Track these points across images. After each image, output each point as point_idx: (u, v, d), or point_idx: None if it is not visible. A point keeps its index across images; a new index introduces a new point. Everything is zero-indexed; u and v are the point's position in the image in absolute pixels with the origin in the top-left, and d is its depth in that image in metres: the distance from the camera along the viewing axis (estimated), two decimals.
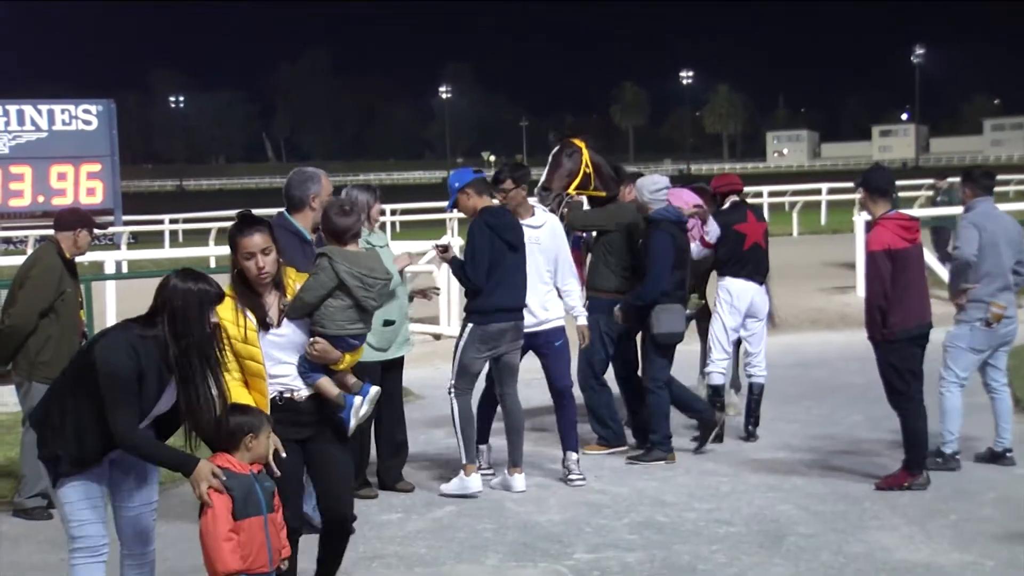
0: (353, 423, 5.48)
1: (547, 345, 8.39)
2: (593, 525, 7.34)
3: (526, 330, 8.15)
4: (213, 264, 28.74)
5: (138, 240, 38.21)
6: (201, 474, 4.89)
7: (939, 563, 6.44)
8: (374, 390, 5.59)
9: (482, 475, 8.19)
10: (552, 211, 9.17)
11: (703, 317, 10.95)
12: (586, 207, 9.95)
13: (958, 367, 8.38)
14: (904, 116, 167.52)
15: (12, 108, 33.15)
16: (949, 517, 7.28)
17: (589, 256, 9.54)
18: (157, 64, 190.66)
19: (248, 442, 5.07)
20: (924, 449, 7.96)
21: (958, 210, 10.44)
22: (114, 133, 35.63)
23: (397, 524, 7.49)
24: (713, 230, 9.70)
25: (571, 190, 9.54)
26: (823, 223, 39.03)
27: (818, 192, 43.97)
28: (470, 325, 8.02)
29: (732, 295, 9.69)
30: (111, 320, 16.48)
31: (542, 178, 9.57)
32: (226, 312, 5.20)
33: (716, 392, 9.74)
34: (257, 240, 5.28)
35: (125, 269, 28.42)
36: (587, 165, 9.55)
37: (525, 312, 8.13)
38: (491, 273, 7.86)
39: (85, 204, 35.84)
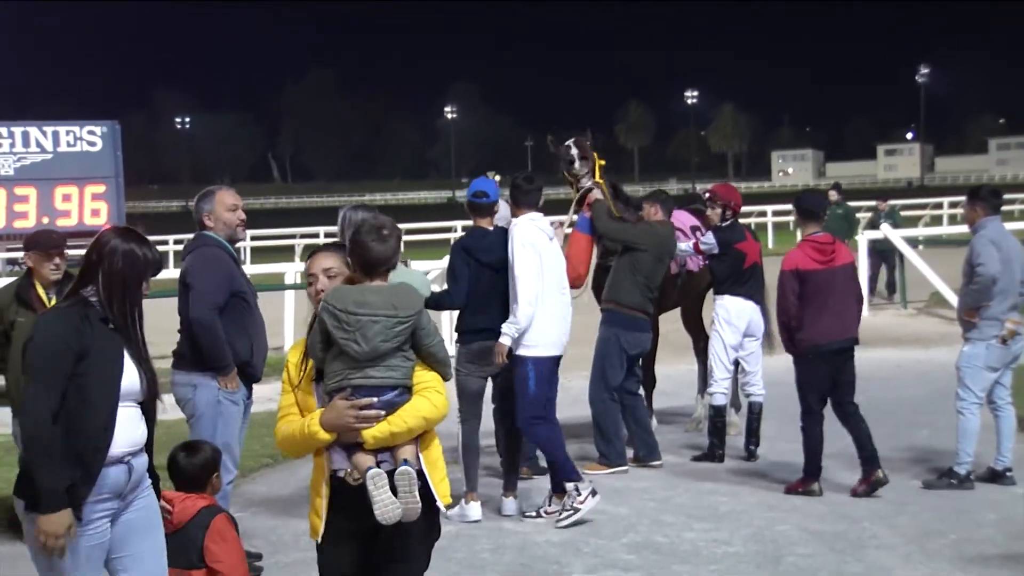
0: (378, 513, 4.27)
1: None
2: (591, 545, 7.33)
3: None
4: None
5: None
6: (52, 526, 4.23)
7: None
8: (404, 473, 4.33)
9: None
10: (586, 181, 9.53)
11: (700, 338, 10.98)
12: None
13: (976, 387, 8.40)
14: (909, 135, 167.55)
15: (17, 130, 33.11)
16: (948, 537, 7.26)
17: (611, 271, 9.49)
18: (162, 85, 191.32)
19: (215, 480, 5.01)
20: (818, 459, 8.34)
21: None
22: (119, 154, 35.61)
23: None
24: (710, 242, 9.72)
25: (598, 176, 9.63)
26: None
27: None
28: (457, 346, 8.12)
29: (731, 313, 9.70)
30: None
31: (578, 166, 9.64)
32: (294, 354, 4.59)
33: (718, 412, 9.72)
34: (322, 261, 4.66)
35: None
36: (599, 166, 9.72)
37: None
38: (471, 294, 7.94)
39: (90, 225, 36.01)
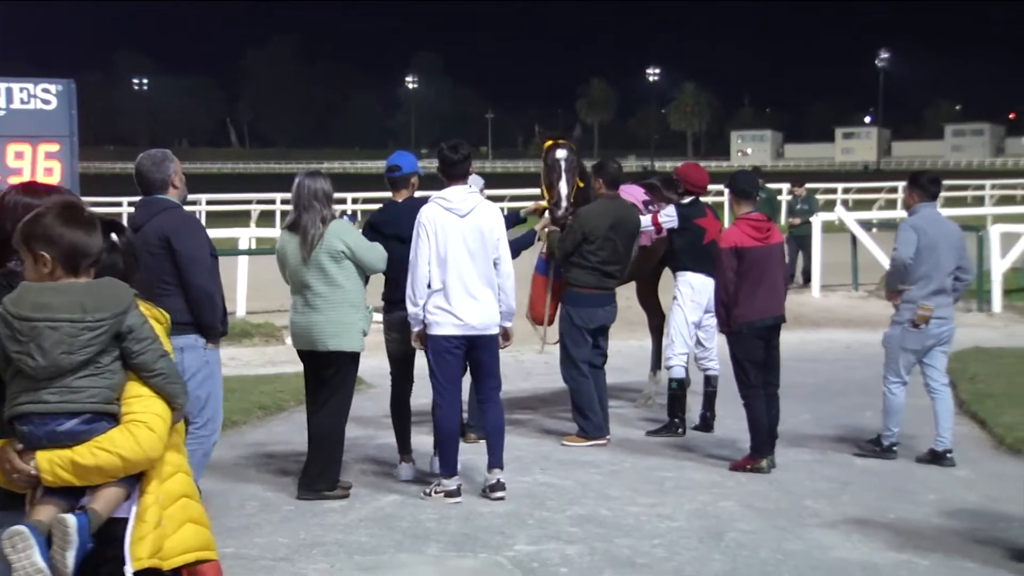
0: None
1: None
2: (536, 517, 7.36)
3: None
4: None
5: None
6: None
7: (874, 562, 6.51)
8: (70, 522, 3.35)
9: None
10: (562, 222, 9.35)
11: (655, 315, 11.04)
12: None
13: (897, 364, 8.69)
14: (867, 119, 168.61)
15: None
16: (887, 516, 7.36)
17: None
18: (122, 45, 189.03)
19: None
20: (763, 434, 8.42)
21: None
22: (74, 113, 35.18)
23: (340, 512, 7.48)
24: (671, 216, 9.78)
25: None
26: (782, 223, 39.12)
27: (779, 192, 44.13)
28: (383, 313, 8.37)
29: (694, 289, 9.73)
30: None
31: (563, 189, 9.33)
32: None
33: (680, 385, 9.79)
34: None
35: None
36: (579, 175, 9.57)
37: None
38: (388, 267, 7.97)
39: (43, 184, 35.64)
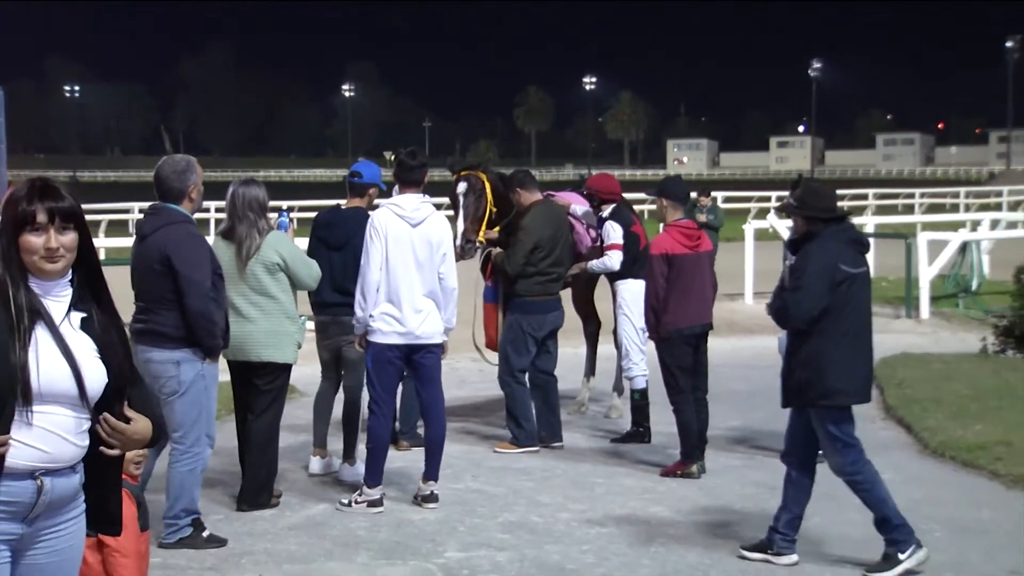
0: None
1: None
2: (467, 524, 7.37)
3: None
4: (103, 256, 28.34)
5: None
6: None
7: (800, 566, 6.59)
8: None
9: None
10: (468, 258, 9.38)
11: (589, 323, 11.09)
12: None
13: None
14: (801, 128, 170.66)
15: None
16: (814, 519, 7.42)
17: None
18: (53, 52, 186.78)
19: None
20: (694, 439, 8.52)
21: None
22: (2, 121, 34.89)
23: (269, 520, 7.44)
24: (615, 232, 9.82)
25: (481, 237, 9.47)
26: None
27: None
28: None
29: (636, 295, 9.75)
30: None
31: (460, 227, 9.35)
32: None
33: (643, 395, 9.81)
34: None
35: None
36: (490, 202, 9.50)
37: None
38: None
39: None
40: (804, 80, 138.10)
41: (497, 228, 9.54)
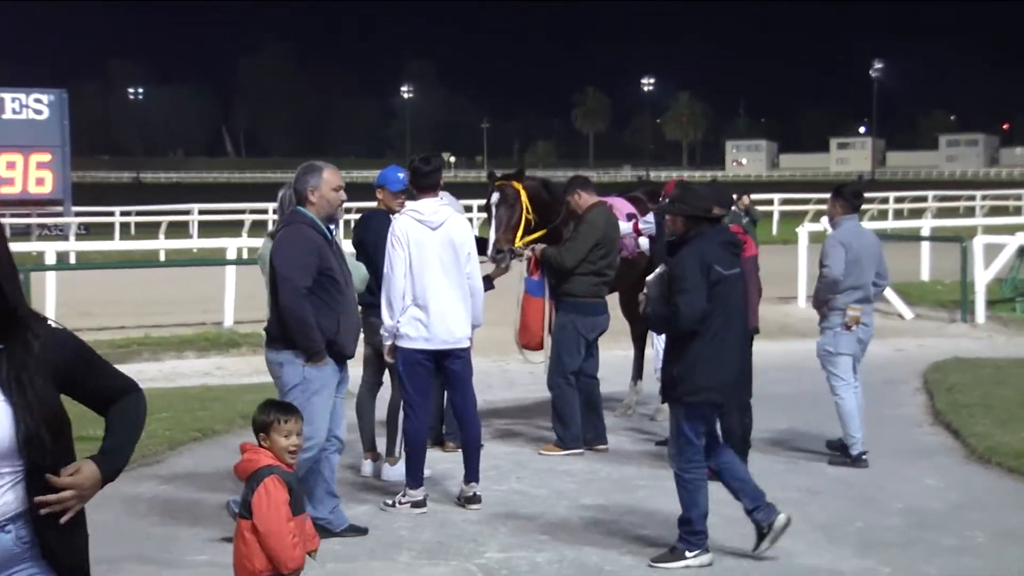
0: None
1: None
2: (508, 525, 7.46)
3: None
4: (163, 257, 28.75)
5: (90, 232, 38.06)
6: None
7: (839, 568, 6.62)
8: None
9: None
10: (506, 267, 9.34)
11: (637, 325, 11.13)
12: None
13: (839, 370, 9.03)
14: (862, 129, 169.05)
15: None
16: (855, 524, 7.46)
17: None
18: (116, 55, 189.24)
19: (268, 439, 5.02)
20: (736, 444, 8.25)
21: None
22: (66, 123, 35.50)
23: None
24: (649, 223, 9.93)
25: (518, 243, 9.44)
26: (774, 233, 39.35)
27: (770, 203, 44.43)
28: None
29: None
30: (50, 312, 16.47)
31: (492, 237, 9.36)
32: None
33: None
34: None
35: (73, 260, 28.32)
36: (527, 210, 9.47)
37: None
38: None
39: (34, 194, 35.80)
40: (865, 80, 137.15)
41: (540, 233, 9.57)
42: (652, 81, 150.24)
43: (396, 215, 7.91)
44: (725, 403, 6.99)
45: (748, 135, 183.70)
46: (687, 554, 6.63)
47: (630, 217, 10.39)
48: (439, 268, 7.65)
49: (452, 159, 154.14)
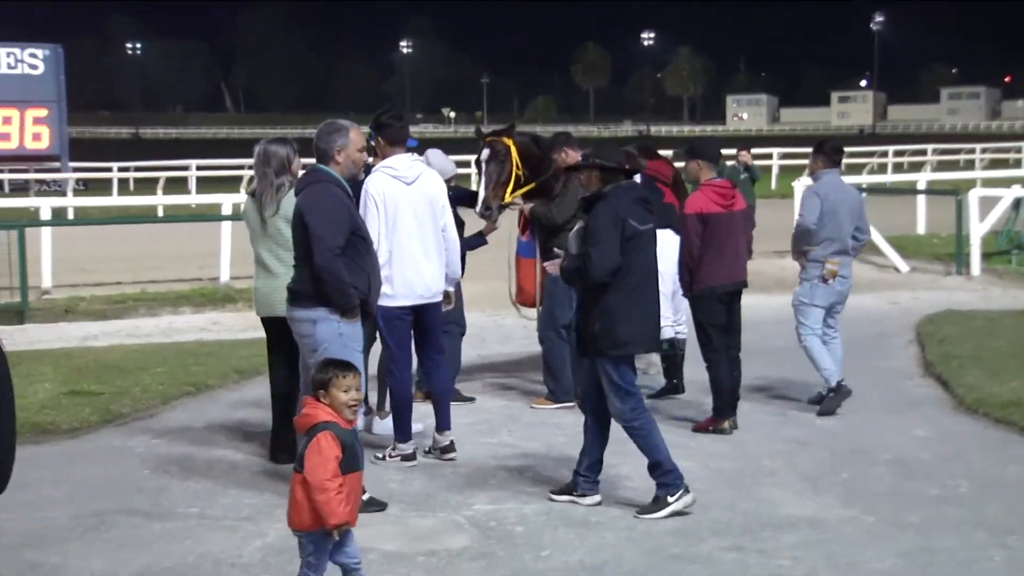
0: None
1: None
2: (498, 478, 7.53)
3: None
4: (161, 213, 28.67)
5: (88, 187, 37.99)
6: None
7: (822, 517, 6.67)
8: None
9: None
10: (495, 222, 9.33)
11: None
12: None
13: (808, 320, 9.30)
14: (863, 83, 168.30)
15: None
16: (841, 475, 7.52)
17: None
18: (115, 9, 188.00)
19: (327, 395, 5.11)
20: (726, 397, 8.65)
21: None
22: (62, 78, 35.27)
23: None
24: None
25: (508, 198, 9.41)
26: (773, 187, 39.27)
27: (769, 156, 44.34)
28: None
29: (662, 244, 9.74)
30: (46, 269, 16.50)
31: (480, 193, 9.32)
32: None
33: (672, 345, 9.90)
34: None
35: (71, 216, 28.30)
36: (517, 166, 9.42)
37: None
38: None
39: (30, 149, 35.68)
40: (866, 34, 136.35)
41: (530, 187, 9.55)
42: (652, 36, 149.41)
43: (371, 174, 7.79)
44: (647, 352, 7.46)
45: (749, 90, 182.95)
46: (669, 500, 6.72)
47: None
48: (414, 223, 7.66)
49: (452, 115, 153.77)
